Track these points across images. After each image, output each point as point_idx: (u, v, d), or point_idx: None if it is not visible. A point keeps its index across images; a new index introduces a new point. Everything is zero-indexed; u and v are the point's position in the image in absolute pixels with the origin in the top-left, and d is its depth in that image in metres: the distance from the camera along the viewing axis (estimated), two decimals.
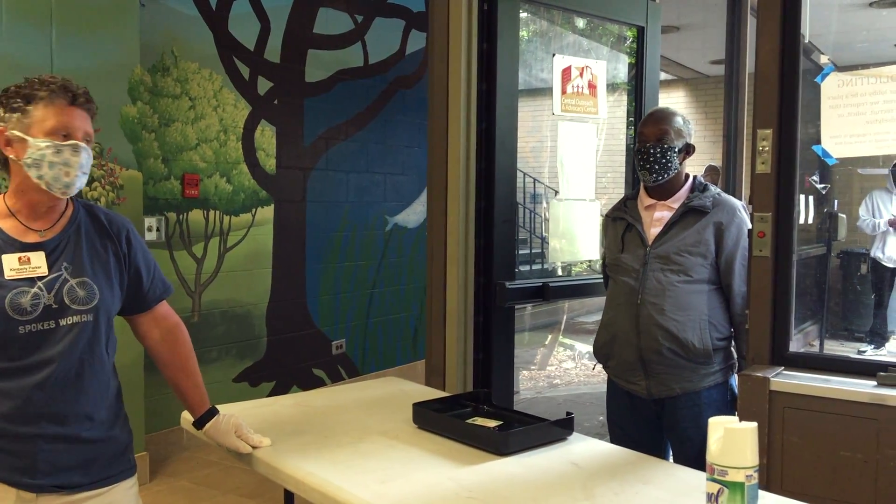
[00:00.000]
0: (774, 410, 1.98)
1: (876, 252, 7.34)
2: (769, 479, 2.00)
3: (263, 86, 4.79)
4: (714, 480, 1.16)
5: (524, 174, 7.82)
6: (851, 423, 1.89)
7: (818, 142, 2.09)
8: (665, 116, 2.35)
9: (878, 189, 7.14)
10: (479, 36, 2.69)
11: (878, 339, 7.70)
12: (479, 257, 2.74)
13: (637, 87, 3.20)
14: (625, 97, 3.41)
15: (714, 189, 2.36)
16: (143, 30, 3.97)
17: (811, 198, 8.28)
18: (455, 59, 2.64)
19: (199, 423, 1.87)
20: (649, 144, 2.30)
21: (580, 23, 3.62)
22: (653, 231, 2.35)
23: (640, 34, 3.19)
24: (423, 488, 1.62)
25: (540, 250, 7.89)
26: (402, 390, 2.45)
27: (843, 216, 7.94)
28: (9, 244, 1.59)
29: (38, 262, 1.61)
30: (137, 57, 3.78)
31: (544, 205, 8.29)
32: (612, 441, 2.43)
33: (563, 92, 2.93)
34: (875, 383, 1.92)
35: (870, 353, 7.00)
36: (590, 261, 3.21)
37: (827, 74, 2.06)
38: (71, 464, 1.62)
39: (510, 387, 2.86)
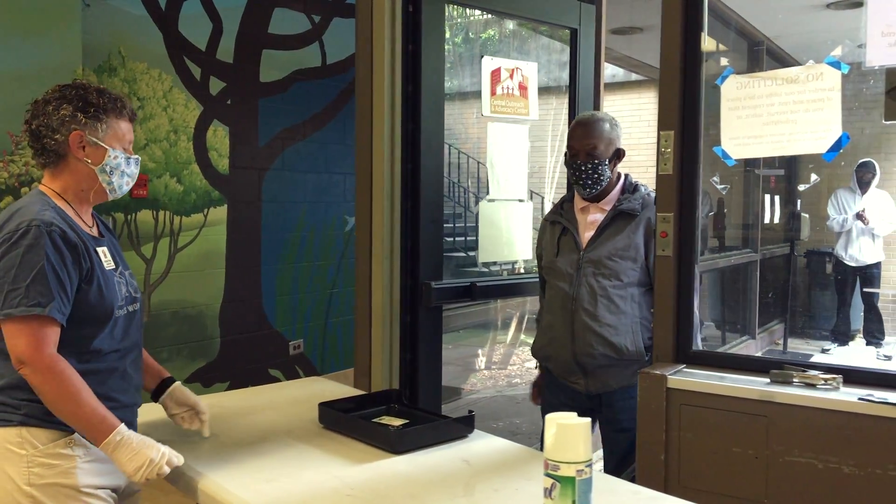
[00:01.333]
0: (671, 407, 2.01)
1: (839, 251, 7.43)
2: (667, 474, 2.03)
3: (216, 86, 4.78)
4: (548, 475, 1.19)
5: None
6: (743, 419, 1.92)
7: (720, 143, 2.13)
8: (592, 129, 2.39)
9: (842, 188, 7.25)
10: (403, 37, 2.70)
11: (842, 337, 7.79)
12: (405, 258, 2.75)
13: (571, 90, 3.23)
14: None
15: (644, 189, 2.42)
16: (89, 30, 3.96)
17: (777, 198, 8.36)
18: (379, 61, 2.66)
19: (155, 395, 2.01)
20: (580, 161, 2.37)
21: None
22: (586, 235, 2.41)
23: (574, 36, 3.22)
24: (306, 486, 1.64)
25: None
26: (324, 390, 2.47)
27: (807, 216, 8.02)
28: (88, 240, 1.73)
29: (109, 256, 1.79)
30: (80, 57, 3.78)
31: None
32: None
33: (493, 93, 2.95)
34: (767, 380, 1.95)
35: (833, 351, 7.09)
36: (525, 260, 3.23)
37: (726, 77, 2.10)
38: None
39: (438, 386, 2.89)
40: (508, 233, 3.03)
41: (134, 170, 1.83)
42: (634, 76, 10.33)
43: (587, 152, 2.35)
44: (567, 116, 3.27)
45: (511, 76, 2.99)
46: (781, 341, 7.77)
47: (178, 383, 2.05)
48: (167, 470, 1.66)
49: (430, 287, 2.73)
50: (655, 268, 2.19)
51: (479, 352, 7.50)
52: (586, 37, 3.24)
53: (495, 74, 2.95)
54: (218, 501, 1.60)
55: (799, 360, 1.99)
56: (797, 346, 7.61)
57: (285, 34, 5.22)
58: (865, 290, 7.44)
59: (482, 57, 2.86)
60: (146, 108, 4.39)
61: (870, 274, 7.20)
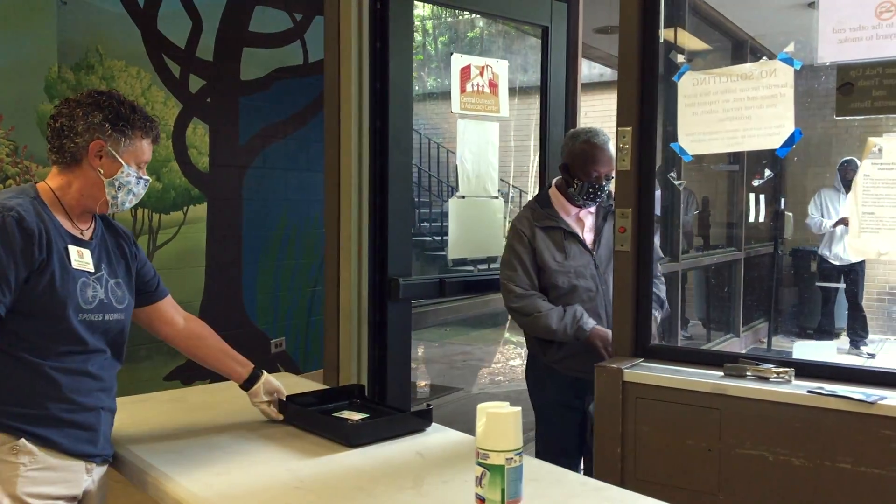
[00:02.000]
0: (627, 400, 2.03)
1: (823, 250, 7.45)
2: (623, 467, 2.05)
3: (195, 84, 4.79)
4: (479, 464, 1.20)
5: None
6: (696, 412, 1.94)
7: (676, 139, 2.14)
8: (610, 152, 2.54)
9: (826, 188, 7.25)
10: (371, 35, 2.72)
11: (826, 335, 7.82)
12: (374, 253, 2.77)
13: (542, 89, 3.25)
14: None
15: (608, 185, 2.53)
16: (66, 28, 3.96)
17: (762, 196, 8.37)
18: (346, 58, 2.68)
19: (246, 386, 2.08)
20: (604, 183, 2.55)
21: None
22: (588, 237, 2.61)
23: (545, 35, 3.23)
24: (257, 479, 1.65)
25: None
26: (291, 386, 2.48)
27: (790, 215, 8.05)
28: (65, 235, 1.70)
29: (87, 259, 1.75)
30: (55, 55, 3.78)
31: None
32: (533, 401, 2.71)
33: (462, 90, 2.96)
34: (721, 374, 1.97)
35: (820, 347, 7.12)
36: (493, 257, 3.25)
37: (683, 73, 2.11)
38: (109, 435, 1.82)
39: (407, 382, 2.90)
40: (479, 230, 3.05)
41: (141, 190, 1.83)
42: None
43: (609, 173, 2.53)
44: (539, 116, 3.29)
45: (481, 73, 3.00)
46: (766, 339, 7.80)
47: (266, 374, 2.10)
48: None
49: (399, 283, 2.74)
50: (615, 262, 2.21)
51: (467, 350, 7.52)
52: (558, 35, 3.26)
53: (465, 72, 2.96)
54: (167, 494, 1.60)
55: (753, 354, 2.01)
56: (782, 344, 7.64)
57: (266, 32, 5.23)
58: (849, 288, 7.46)
59: (451, 54, 2.87)
60: None
61: (854, 273, 7.24)
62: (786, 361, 1.95)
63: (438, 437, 1.97)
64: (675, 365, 2.08)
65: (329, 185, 2.75)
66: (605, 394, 2.05)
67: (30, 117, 3.66)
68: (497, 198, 3.12)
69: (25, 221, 1.61)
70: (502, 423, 1.19)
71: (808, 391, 1.81)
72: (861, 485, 1.75)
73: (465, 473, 1.69)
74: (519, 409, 1.23)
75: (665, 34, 2.62)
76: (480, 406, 1.24)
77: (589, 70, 10.26)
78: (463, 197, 3.02)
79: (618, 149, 2.15)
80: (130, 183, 1.76)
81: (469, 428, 2.03)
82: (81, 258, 1.73)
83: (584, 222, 2.61)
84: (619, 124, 2.15)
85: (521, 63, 4.97)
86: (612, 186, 2.51)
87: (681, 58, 2.19)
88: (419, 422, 1.99)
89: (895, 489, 1.72)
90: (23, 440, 1.62)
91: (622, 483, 2.05)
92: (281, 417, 2.05)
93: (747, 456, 1.88)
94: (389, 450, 1.85)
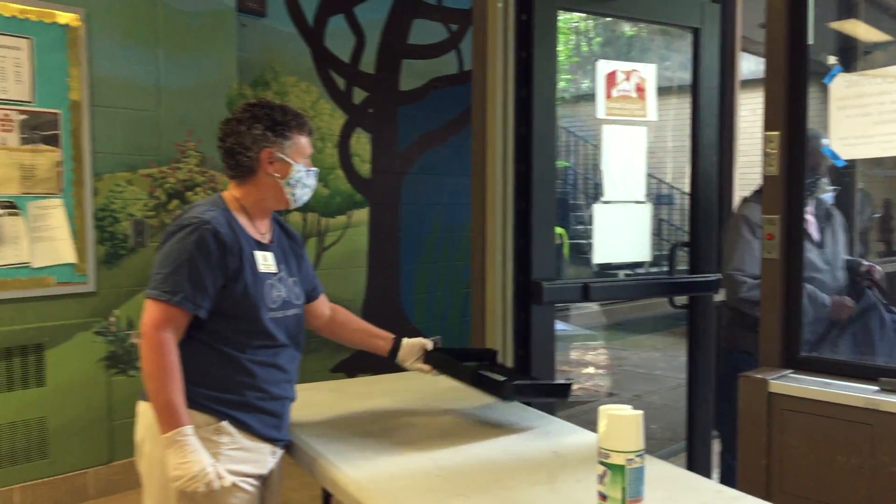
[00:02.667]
0: (773, 412, 1.98)
1: None
2: (769, 479, 2.01)
3: (359, 95, 5.09)
4: (600, 463, 1.25)
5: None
6: (846, 427, 1.87)
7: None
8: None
9: None
10: (517, 45, 2.80)
11: None
12: (519, 257, 2.85)
13: (693, 90, 3.20)
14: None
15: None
16: (245, 48, 4.36)
17: None
18: (492, 68, 2.78)
19: (392, 356, 2.22)
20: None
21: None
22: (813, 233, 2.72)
23: (696, 36, 3.18)
24: (401, 466, 1.79)
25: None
26: (433, 381, 2.63)
27: None
28: (252, 242, 1.91)
29: (271, 261, 1.94)
30: (235, 74, 4.17)
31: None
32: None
33: (608, 96, 2.99)
34: (876, 388, 1.89)
35: None
36: (640, 263, 3.23)
37: (834, 75, 2.04)
38: (288, 423, 2.00)
39: (552, 377, 2.96)
40: (625, 234, 3.05)
41: (313, 181, 1.98)
42: None
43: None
44: (691, 117, 3.24)
45: (627, 78, 3.01)
46: None
47: (405, 339, 2.25)
48: (203, 489, 1.71)
49: (542, 286, 2.81)
50: (763, 271, 2.16)
51: (623, 355, 7.43)
52: (710, 36, 3.20)
53: (611, 77, 2.98)
54: (331, 479, 1.77)
55: None
56: None
57: (424, 44, 5.46)
58: None
59: (597, 60, 2.90)
60: None
61: None
62: None
63: (576, 437, 2.02)
64: (826, 377, 2.01)
65: (475, 189, 2.86)
66: (748, 404, 2.02)
67: (214, 131, 4.03)
68: (644, 202, 3.11)
69: (221, 234, 1.81)
70: (623, 424, 1.24)
71: None
72: None
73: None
74: (641, 412, 1.27)
75: (840, 25, 2.53)
76: (602, 408, 1.29)
77: (757, 66, 9.78)
78: (608, 202, 3.04)
79: (765, 154, 2.11)
80: (303, 177, 1.93)
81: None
82: (266, 261, 1.92)
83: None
84: (766, 128, 2.11)
85: (682, 61, 4.87)
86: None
87: (833, 59, 2.11)
88: (561, 389, 2.09)
89: None
90: (225, 422, 1.83)
91: (768, 495, 2.01)
92: (432, 371, 2.21)
93: None
94: (526, 446, 1.93)
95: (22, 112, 3.32)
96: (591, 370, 6.79)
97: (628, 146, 3.07)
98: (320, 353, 4.93)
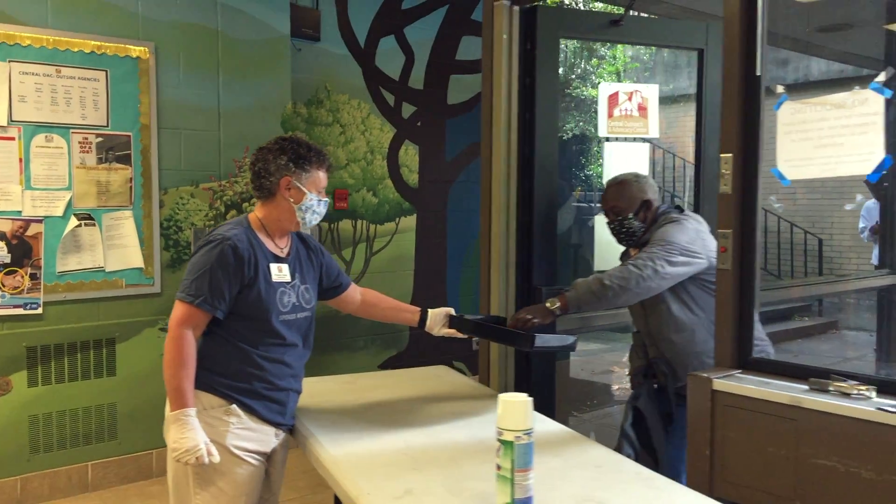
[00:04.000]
0: (716, 408, 2.20)
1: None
2: (713, 468, 2.22)
3: (407, 110, 5.45)
4: (497, 440, 1.53)
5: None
6: (775, 422, 2.07)
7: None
8: (612, 191, 2.81)
9: (869, 200, 7.00)
10: (521, 71, 3.08)
11: None
12: (521, 264, 3.13)
13: (698, 109, 3.39)
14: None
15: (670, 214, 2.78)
16: (301, 69, 4.78)
17: None
18: (498, 92, 3.07)
19: (422, 325, 2.59)
20: (608, 220, 2.80)
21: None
22: None
23: (700, 57, 3.37)
24: (378, 445, 2.11)
25: None
26: (437, 375, 2.94)
27: None
28: (269, 256, 2.28)
29: (285, 272, 2.28)
30: (289, 95, 4.58)
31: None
32: None
33: (610, 115, 3.23)
34: (806, 387, 2.08)
35: None
36: None
37: (782, 103, 2.24)
38: (293, 410, 2.35)
39: (550, 383, 3.22)
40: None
41: (322, 210, 2.29)
42: None
43: (613, 212, 2.79)
44: (695, 135, 3.44)
45: (630, 98, 3.24)
46: None
47: (430, 310, 2.60)
48: (193, 462, 2.02)
49: (542, 291, 3.08)
50: (717, 281, 2.37)
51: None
52: (715, 56, 3.38)
53: (612, 98, 3.22)
54: (314, 453, 2.11)
55: (844, 371, 2.08)
56: None
57: (470, 59, 5.76)
58: None
59: (599, 83, 3.14)
60: (347, 132, 5.15)
61: None
62: (870, 378, 2.02)
63: (540, 426, 2.29)
64: (769, 377, 2.21)
65: (483, 203, 3.15)
66: (695, 401, 2.25)
67: None
68: None
69: (239, 249, 2.17)
70: (513, 408, 1.52)
71: (877, 408, 1.89)
72: None
73: (544, 457, 2.01)
74: (528, 398, 1.54)
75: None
76: (500, 395, 1.57)
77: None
78: None
79: (721, 174, 2.32)
80: (313, 206, 2.28)
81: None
82: (280, 272, 2.28)
83: None
84: (721, 151, 2.32)
85: None
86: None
87: (780, 88, 2.30)
88: (570, 346, 2.50)
89: None
90: (234, 406, 2.18)
91: (711, 483, 2.23)
92: (463, 336, 2.58)
93: (821, 466, 1.99)
94: (490, 433, 2.21)
95: (98, 135, 3.81)
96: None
97: (630, 161, 3.29)
98: (368, 351, 5.31)
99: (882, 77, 2.05)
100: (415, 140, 5.50)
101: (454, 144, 5.73)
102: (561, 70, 9.18)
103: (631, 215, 2.73)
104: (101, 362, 3.86)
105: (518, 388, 3.14)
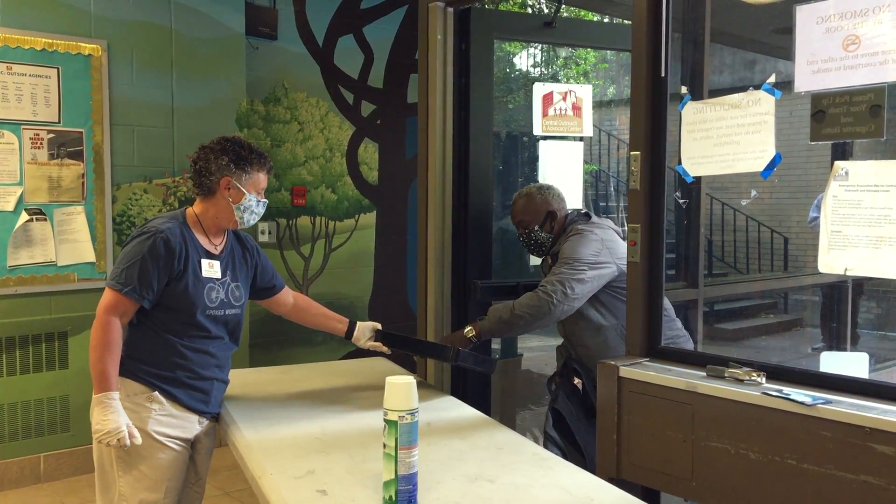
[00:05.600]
0: (622, 394, 2.30)
1: None
2: (619, 452, 2.33)
3: (367, 108, 5.53)
4: (384, 420, 1.62)
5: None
6: (673, 406, 2.18)
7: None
8: (518, 205, 2.91)
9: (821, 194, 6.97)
10: (456, 72, 3.17)
11: None
12: (456, 260, 3.22)
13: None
14: None
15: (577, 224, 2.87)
16: (258, 67, 4.85)
17: None
18: (433, 92, 3.16)
19: (349, 336, 2.68)
20: (518, 234, 2.91)
21: None
22: None
23: None
24: (294, 431, 2.19)
25: None
26: (373, 367, 3.03)
27: None
28: (201, 252, 2.35)
29: (217, 268, 2.36)
30: (244, 93, 4.65)
31: None
32: None
33: (545, 115, 3.32)
34: (703, 374, 2.19)
35: None
36: None
37: (685, 103, 2.34)
38: (219, 399, 2.42)
39: (487, 374, 3.31)
40: None
41: (261, 210, 2.37)
42: None
43: (520, 225, 2.90)
44: None
45: (564, 98, 3.34)
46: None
47: (358, 322, 2.69)
48: (116, 444, 2.10)
49: (477, 285, 3.17)
50: (628, 273, 2.47)
51: None
52: None
53: (547, 98, 3.32)
54: (232, 439, 2.20)
55: (740, 359, 2.19)
56: None
57: None
58: None
59: (534, 83, 3.23)
60: (305, 130, 5.23)
61: None
62: (763, 365, 2.12)
63: (456, 412, 2.39)
64: (673, 365, 2.32)
65: (420, 201, 3.24)
66: (604, 387, 2.34)
67: None
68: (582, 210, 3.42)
69: (171, 242, 2.24)
70: (397, 389, 1.60)
71: (763, 392, 1.99)
72: (805, 481, 1.91)
73: (450, 440, 2.10)
74: (412, 380, 1.63)
75: None
76: (387, 378, 1.65)
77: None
78: None
79: (629, 171, 2.42)
80: (252, 206, 2.37)
81: None
82: (211, 268, 2.35)
83: None
84: (630, 149, 2.42)
85: None
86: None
87: (684, 89, 2.40)
88: (490, 363, 2.61)
89: (834, 487, 1.86)
90: (156, 393, 2.26)
91: (618, 465, 2.33)
92: (388, 350, 2.69)
93: (714, 448, 2.09)
94: None
95: (50, 131, 3.87)
96: None
97: (565, 159, 3.39)
98: (328, 346, 5.39)
99: (772, 79, 2.15)
100: (374, 138, 5.58)
101: (414, 142, 5.73)
102: (525, 68, 9.32)
103: (537, 227, 2.85)
104: (54, 355, 3.93)
105: (454, 383, 3.24)
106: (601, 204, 9.69)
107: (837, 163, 1.99)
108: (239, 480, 3.89)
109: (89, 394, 2.17)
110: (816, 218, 6.98)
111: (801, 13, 2.05)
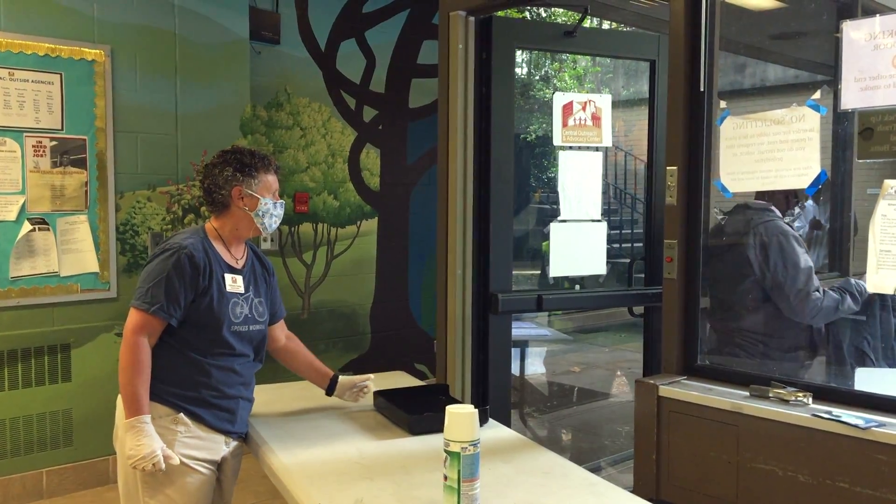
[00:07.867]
0: (662, 413, 2.27)
1: None
2: (659, 472, 2.29)
3: (369, 114, 5.46)
4: (444, 451, 1.57)
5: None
6: (717, 427, 2.15)
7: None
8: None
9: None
10: (477, 81, 3.12)
11: None
12: (478, 271, 3.17)
13: (650, 118, 3.47)
14: None
15: None
16: (261, 72, 4.77)
17: None
18: (454, 101, 3.11)
19: (329, 392, 2.57)
20: None
21: None
22: None
23: (652, 68, 3.45)
24: (331, 453, 2.13)
25: None
26: (395, 381, 2.96)
27: None
28: (224, 266, 2.30)
29: (239, 283, 2.31)
30: (248, 98, 4.57)
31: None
32: None
33: (564, 125, 3.28)
34: (747, 394, 2.16)
35: None
36: (596, 276, 3.51)
37: (724, 118, 2.31)
38: (245, 418, 2.35)
39: (506, 386, 3.27)
40: (580, 250, 3.34)
41: (280, 212, 2.33)
42: None
43: None
44: (648, 138, 3.52)
45: (584, 108, 3.30)
46: None
47: (341, 377, 2.59)
48: (151, 469, 2.04)
49: (498, 297, 3.12)
50: (664, 289, 2.44)
51: (635, 357, 7.64)
52: (666, 67, 3.45)
53: (567, 108, 3.28)
54: (267, 462, 2.13)
55: (784, 378, 2.16)
56: None
57: (432, 63, 5.79)
58: None
59: (554, 93, 3.19)
60: (307, 135, 5.15)
61: None
62: (808, 385, 2.10)
63: (493, 433, 2.34)
64: (713, 383, 2.29)
65: (440, 211, 3.19)
66: (642, 406, 2.31)
67: None
68: (600, 221, 3.39)
69: (195, 258, 2.19)
70: (459, 419, 1.56)
71: (813, 414, 1.96)
72: None
73: (493, 463, 2.06)
74: (474, 410, 1.58)
75: None
76: (448, 407, 1.61)
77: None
78: (564, 221, 3.33)
79: (667, 186, 2.39)
80: (270, 209, 2.32)
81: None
82: (235, 283, 2.30)
83: None
84: (667, 164, 2.39)
85: None
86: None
87: (723, 104, 2.37)
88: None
89: None
90: (181, 414, 2.20)
91: (658, 486, 2.30)
92: (357, 401, 2.57)
93: (761, 470, 2.06)
94: (438, 443, 2.24)
95: (53, 139, 3.77)
96: (601, 372, 7.04)
97: (585, 170, 3.36)
98: (329, 355, 5.32)
99: (818, 95, 2.13)
100: (376, 143, 5.52)
101: (416, 148, 5.76)
102: (525, 72, 9.29)
103: None
104: (56, 368, 3.83)
105: (474, 391, 3.19)
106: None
107: (887, 181, 1.97)
108: (249, 494, 3.81)
109: (93, 407, 2.10)
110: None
111: (848, 29, 2.03)
